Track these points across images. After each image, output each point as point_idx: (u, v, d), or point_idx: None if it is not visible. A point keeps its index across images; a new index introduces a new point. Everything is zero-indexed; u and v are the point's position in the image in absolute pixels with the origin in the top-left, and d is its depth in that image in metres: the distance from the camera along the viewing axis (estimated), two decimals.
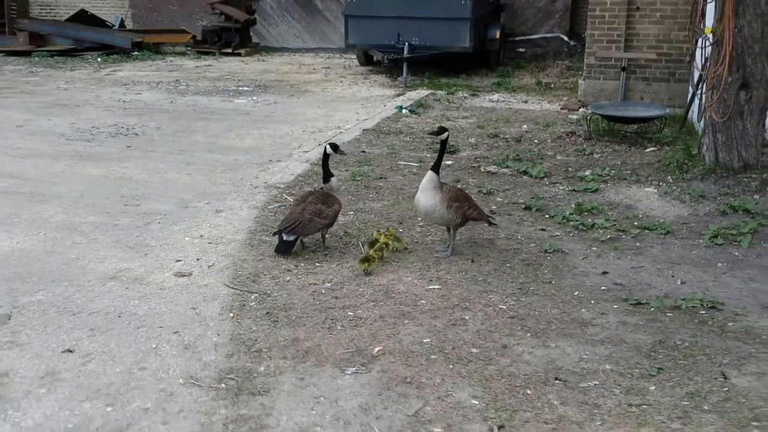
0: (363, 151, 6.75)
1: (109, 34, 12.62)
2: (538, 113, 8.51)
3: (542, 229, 4.87)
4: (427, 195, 4.27)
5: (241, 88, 9.88)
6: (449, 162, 6.46)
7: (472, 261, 4.30)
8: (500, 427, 2.70)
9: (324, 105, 8.84)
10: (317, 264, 4.25)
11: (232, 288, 3.85)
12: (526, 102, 9.17)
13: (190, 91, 9.62)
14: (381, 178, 6.01)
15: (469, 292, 3.89)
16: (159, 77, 10.72)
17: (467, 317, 3.59)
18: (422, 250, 4.47)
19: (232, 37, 12.61)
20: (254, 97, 9.33)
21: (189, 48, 12.87)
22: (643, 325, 3.52)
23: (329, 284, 3.98)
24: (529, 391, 2.95)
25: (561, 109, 8.57)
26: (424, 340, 3.36)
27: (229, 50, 12.60)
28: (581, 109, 8.50)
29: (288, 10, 13.49)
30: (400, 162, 6.53)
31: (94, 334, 3.39)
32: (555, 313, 3.66)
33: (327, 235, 4.53)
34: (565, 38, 12.02)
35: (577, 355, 3.25)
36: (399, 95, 9.48)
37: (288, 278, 4.06)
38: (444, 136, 4.34)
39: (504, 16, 12.18)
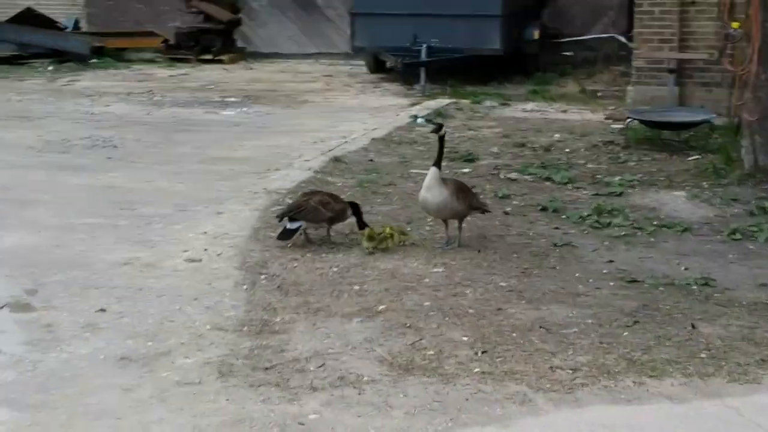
0: (371, 160, 8.76)
1: (62, 37, 13.86)
2: (577, 123, 10.58)
3: (556, 228, 6.78)
4: (435, 192, 6.15)
5: (227, 99, 12.07)
6: (466, 170, 8.46)
7: (479, 251, 6.22)
8: (483, 351, 4.63)
9: (327, 116, 10.95)
10: (323, 255, 6.17)
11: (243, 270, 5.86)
12: (565, 111, 11.25)
13: (167, 103, 11.83)
14: (390, 185, 7.98)
15: (472, 274, 5.79)
16: (128, 87, 12.93)
17: (468, 291, 5.49)
18: (430, 244, 6.39)
19: (212, 40, 13.97)
20: (244, 109, 11.50)
21: (159, 54, 14.27)
22: (633, 296, 5.43)
23: (336, 269, 5.89)
24: (514, 334, 4.87)
25: (605, 119, 10.58)
26: (425, 303, 5.31)
27: (209, 56, 13.94)
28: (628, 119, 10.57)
29: (281, 8, 14.83)
30: (411, 170, 8.60)
31: (120, 300, 5.39)
32: (552, 287, 5.56)
33: (332, 233, 6.45)
34: (622, 39, 13.53)
35: (564, 314, 5.17)
36: (415, 104, 11.60)
37: (295, 264, 5.98)
38: (442, 132, 6.31)
39: (546, 13, 13.92)
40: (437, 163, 6.19)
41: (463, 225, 6.45)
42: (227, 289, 5.58)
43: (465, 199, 6.22)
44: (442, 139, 6.33)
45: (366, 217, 6.82)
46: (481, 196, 7.48)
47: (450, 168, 8.39)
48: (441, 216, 6.34)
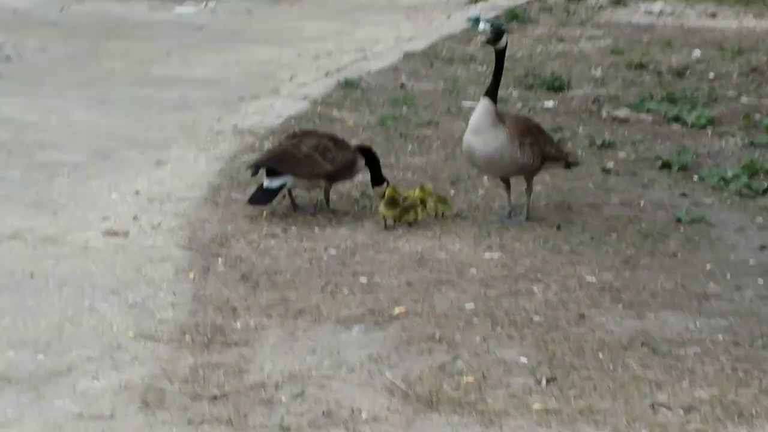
0: (402, 86, 8.80)
1: None
2: (730, 34, 10.52)
3: (683, 194, 6.90)
4: (486, 135, 6.16)
5: None
6: (549, 104, 8.51)
7: (558, 228, 6.31)
8: (551, 380, 4.71)
9: (337, 16, 10.95)
10: (317, 229, 6.29)
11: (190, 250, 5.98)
12: (713, 16, 11.20)
13: None
14: (429, 123, 8.09)
15: (544, 262, 5.90)
16: None
17: (535, 288, 5.60)
18: (482, 215, 6.50)
19: None
20: (210, 4, 11.59)
21: None
22: None
23: (334, 250, 6.03)
24: (601, 355, 4.93)
25: None
26: (466, 305, 5.39)
27: None
28: None
29: None
30: (464, 102, 8.64)
31: (0, 293, 5.53)
32: (666, 286, 5.66)
33: (332, 197, 6.61)
34: None
35: (681, 325, 5.22)
36: (477, 0, 11.69)
37: (272, 243, 6.13)
38: (503, 43, 6.27)
39: None
40: (491, 92, 6.17)
41: (535, 187, 6.51)
42: (163, 278, 5.69)
43: (534, 147, 6.25)
44: (501, 55, 6.31)
45: (390, 174, 6.88)
46: (567, 144, 7.55)
47: (523, 100, 8.44)
48: (496, 172, 6.40)
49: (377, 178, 6.61)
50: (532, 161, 6.32)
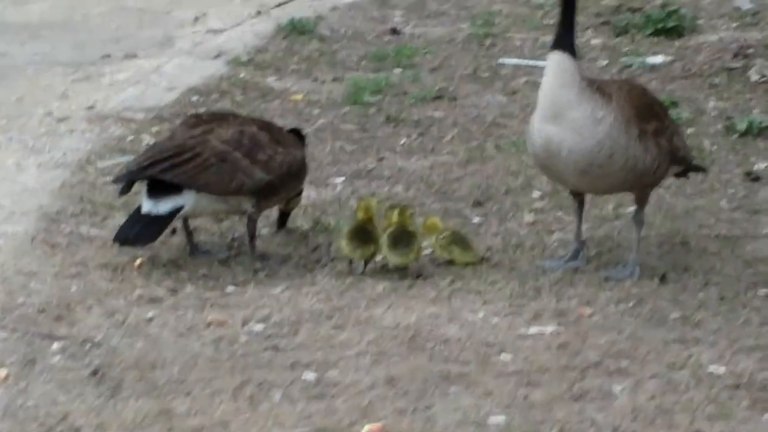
0: (394, 30, 8.63)
1: None
2: None
3: None
4: (577, 119, 5.92)
5: None
6: (657, 60, 8.21)
7: (663, 280, 5.95)
8: None
9: None
10: (231, 288, 5.99)
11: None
12: None
13: None
14: (439, 98, 7.84)
15: (635, 342, 5.48)
16: None
17: (619, 386, 5.22)
18: (526, 261, 6.17)
19: None
20: None
21: None
22: None
23: (260, 326, 5.63)
24: None
25: None
26: (491, 420, 4.98)
27: None
28: None
29: None
30: (503, 59, 8.44)
31: None
32: None
33: (261, 227, 6.24)
34: None
35: None
36: None
37: (149, 313, 5.73)
38: None
39: None
40: (564, 40, 6.01)
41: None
42: None
43: (661, 138, 6.08)
44: None
45: (361, 186, 6.74)
46: (686, 131, 7.28)
47: (610, 53, 8.23)
48: (596, 185, 6.17)
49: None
50: (657, 164, 6.06)
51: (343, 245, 6.02)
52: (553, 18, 6.52)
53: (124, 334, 5.76)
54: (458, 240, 6.24)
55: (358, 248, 6.00)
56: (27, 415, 5.23)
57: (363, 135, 7.26)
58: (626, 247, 6.29)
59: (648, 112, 6.02)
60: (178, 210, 6.09)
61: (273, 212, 6.60)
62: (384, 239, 6.07)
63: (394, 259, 6.00)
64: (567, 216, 6.31)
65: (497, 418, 5.18)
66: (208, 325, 5.86)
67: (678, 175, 6.50)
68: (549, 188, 6.73)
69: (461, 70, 7.92)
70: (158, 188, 6.07)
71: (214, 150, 6.09)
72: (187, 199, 6.10)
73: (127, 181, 6.20)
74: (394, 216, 6.12)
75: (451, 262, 6.22)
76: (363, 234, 5.99)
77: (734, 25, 8.60)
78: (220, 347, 5.69)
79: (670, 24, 8.16)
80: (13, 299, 5.95)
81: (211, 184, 6.11)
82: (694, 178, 6.75)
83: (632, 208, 6.16)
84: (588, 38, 8.14)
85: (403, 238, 6.05)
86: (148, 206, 6.09)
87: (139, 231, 6.09)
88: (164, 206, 6.06)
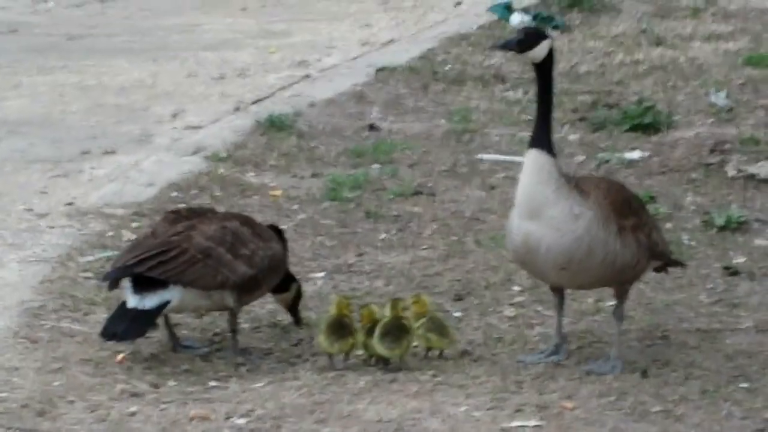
0: (372, 126, 8.62)
1: None
2: None
3: None
4: (555, 216, 5.93)
5: None
6: (634, 155, 8.20)
7: (644, 374, 5.92)
8: None
9: (261, 4, 11.07)
10: (212, 383, 5.93)
11: None
12: None
13: None
14: (416, 194, 7.82)
15: None
16: None
17: None
18: (507, 355, 6.15)
19: None
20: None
21: None
22: None
23: (242, 420, 5.58)
24: None
25: None
26: None
27: None
28: None
29: None
30: (480, 153, 8.45)
31: None
32: None
33: (242, 322, 6.23)
34: None
35: None
36: None
37: (133, 408, 5.69)
38: (540, 51, 6.08)
39: None
40: (541, 138, 6.04)
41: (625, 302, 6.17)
42: None
43: (640, 234, 6.10)
44: (544, 72, 6.17)
45: (341, 282, 6.71)
46: (664, 225, 7.30)
47: (588, 148, 8.29)
48: (576, 280, 6.17)
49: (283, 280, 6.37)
50: (636, 259, 6.03)
51: (321, 340, 5.96)
52: (530, 114, 6.51)
53: (107, 429, 5.65)
54: (436, 326, 6.23)
55: (335, 342, 5.96)
56: None
57: (343, 230, 7.17)
58: (607, 341, 6.21)
59: (626, 208, 5.99)
60: (165, 304, 6.05)
61: (255, 307, 6.56)
62: (377, 328, 6.06)
63: (380, 349, 5.94)
64: (547, 310, 6.21)
65: None
66: (191, 419, 5.74)
67: (657, 270, 6.42)
68: (529, 283, 6.61)
69: (439, 165, 7.87)
70: (143, 283, 6.02)
71: (199, 246, 6.08)
72: (173, 294, 6.07)
73: (114, 278, 6.17)
74: (387, 309, 6.13)
75: (429, 349, 6.18)
76: (340, 328, 5.96)
77: (710, 121, 8.53)
78: None
79: (647, 120, 8.19)
80: None
81: (198, 279, 6.08)
82: (673, 273, 6.69)
83: (612, 303, 6.09)
84: (565, 134, 8.15)
85: (393, 331, 6.01)
86: (134, 301, 6.02)
87: (127, 326, 6.02)
88: (150, 301, 6.03)
